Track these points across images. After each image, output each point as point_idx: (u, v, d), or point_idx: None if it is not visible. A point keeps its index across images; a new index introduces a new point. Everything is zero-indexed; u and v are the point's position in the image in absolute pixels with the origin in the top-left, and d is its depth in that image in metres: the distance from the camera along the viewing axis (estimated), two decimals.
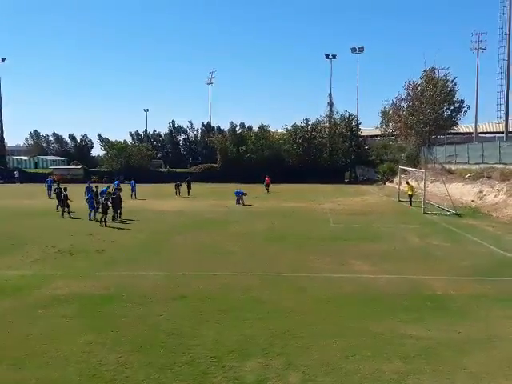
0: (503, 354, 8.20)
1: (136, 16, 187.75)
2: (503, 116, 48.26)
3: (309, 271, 14.02)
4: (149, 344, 8.62)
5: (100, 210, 23.86)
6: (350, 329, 9.39)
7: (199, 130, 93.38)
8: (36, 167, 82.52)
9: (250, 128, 72.15)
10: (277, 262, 15.32)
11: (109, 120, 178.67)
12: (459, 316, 10.15)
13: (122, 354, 8.18)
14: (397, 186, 40.53)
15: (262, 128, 66.57)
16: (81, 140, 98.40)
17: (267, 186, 44.59)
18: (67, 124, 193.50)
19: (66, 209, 26.79)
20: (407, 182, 35.32)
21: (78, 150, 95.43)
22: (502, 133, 49.58)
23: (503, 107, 47.68)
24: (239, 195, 34.49)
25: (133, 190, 38.94)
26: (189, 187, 41.27)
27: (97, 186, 28.99)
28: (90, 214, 25.37)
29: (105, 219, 23.30)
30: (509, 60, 46.43)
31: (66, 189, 27.69)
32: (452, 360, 7.94)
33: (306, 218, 26.57)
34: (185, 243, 18.64)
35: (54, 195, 29.27)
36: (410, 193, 32.41)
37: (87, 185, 30.03)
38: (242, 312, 10.37)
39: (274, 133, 67.84)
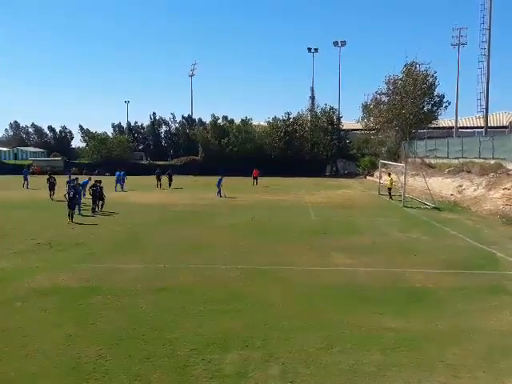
0: (480, 346, 8.34)
1: (117, 7, 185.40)
2: (483, 111, 48.88)
3: (289, 264, 14.07)
4: (129, 336, 8.57)
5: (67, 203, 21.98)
6: (330, 321, 9.45)
7: (181, 123, 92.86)
8: (16, 159, 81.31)
9: (231, 121, 71.94)
10: (258, 254, 15.33)
11: (90, 111, 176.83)
12: (438, 309, 10.29)
13: (102, 346, 8.11)
14: (377, 180, 40.90)
15: (244, 121, 66.48)
16: (60, 131, 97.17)
17: (255, 178, 44.45)
18: (47, 115, 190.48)
19: (101, 202, 25.92)
20: (389, 174, 35.59)
21: (58, 142, 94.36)
22: (482, 128, 50.25)
23: (483, 102, 48.30)
24: (219, 186, 34.50)
25: (120, 181, 38.71)
26: (170, 179, 41.14)
27: (77, 178, 28.59)
28: (79, 208, 24.68)
29: (71, 214, 21.69)
30: (489, 55, 47.02)
31: (100, 181, 26.81)
32: (430, 352, 8.05)
33: (288, 211, 26.65)
34: (165, 236, 18.53)
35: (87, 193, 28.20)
36: (389, 186, 32.69)
37: (68, 178, 29.45)
38: (223, 304, 10.36)
39: (256, 126, 67.81)
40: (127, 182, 40.24)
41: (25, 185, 40.41)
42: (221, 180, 35.14)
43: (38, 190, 35.99)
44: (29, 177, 42.07)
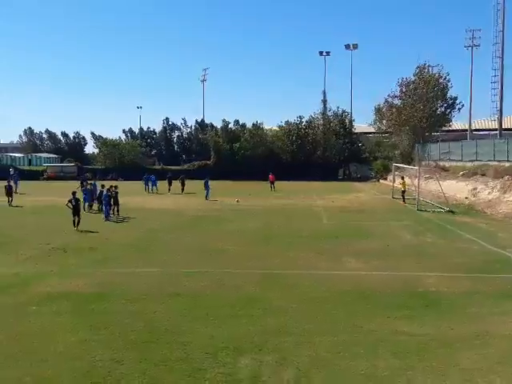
0: (495, 350, 8.29)
1: (130, 13, 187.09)
2: (497, 113, 48.50)
3: (302, 268, 14.09)
4: (143, 341, 8.65)
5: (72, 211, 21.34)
6: (343, 326, 9.45)
7: (193, 127, 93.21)
8: (30, 164, 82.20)
9: (243, 125, 72.15)
10: (269, 259, 15.37)
11: (102, 117, 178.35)
12: (452, 313, 10.23)
13: (117, 350, 8.20)
14: (391, 184, 40.70)
15: (256, 125, 66.61)
16: (73, 137, 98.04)
17: (272, 183, 44.33)
18: (60, 121, 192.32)
19: (116, 207, 26.21)
20: (402, 178, 35.46)
21: (71, 148, 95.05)
22: (496, 130, 49.84)
23: (497, 104, 47.96)
24: (208, 188, 35.92)
25: (153, 184, 42.12)
26: (182, 184, 41.32)
27: (103, 185, 28.96)
28: (106, 213, 24.91)
29: (77, 222, 21.10)
30: (503, 57, 46.78)
31: (116, 187, 27.19)
32: (444, 356, 8.02)
33: (299, 215, 26.65)
34: (178, 241, 18.65)
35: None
36: (403, 189, 32.55)
37: (89, 186, 29.65)
38: (236, 309, 10.42)
39: (267, 130, 67.90)
40: (133, 187, 41.25)
41: (17, 189, 39.45)
42: (207, 182, 36.42)
43: (50, 196, 36.35)
44: (19, 181, 42.14)
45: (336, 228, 21.85)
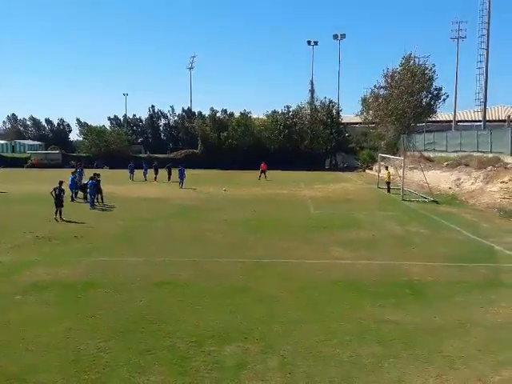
0: (477, 338, 8.40)
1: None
2: (481, 104, 48.86)
3: (289, 257, 14.11)
4: (129, 329, 8.61)
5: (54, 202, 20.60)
6: (329, 314, 9.51)
7: (180, 116, 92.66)
8: (13, 151, 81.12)
9: (231, 114, 71.82)
10: (257, 248, 15.38)
11: (87, 104, 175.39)
12: (436, 301, 10.35)
13: (102, 339, 8.15)
14: (376, 173, 40.92)
15: (243, 114, 66.38)
16: (58, 124, 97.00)
17: (263, 172, 44.03)
18: (45, 108, 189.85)
19: (99, 195, 26.01)
20: (386, 168, 35.69)
21: (56, 135, 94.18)
22: (480, 121, 50.22)
23: (482, 96, 48.26)
24: (182, 176, 36.47)
25: (131, 172, 42.03)
26: (169, 173, 41.09)
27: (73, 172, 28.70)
28: (91, 202, 24.63)
29: (59, 212, 20.43)
30: (488, 49, 46.93)
31: (98, 175, 27.06)
32: (428, 344, 8.11)
33: (287, 205, 26.68)
34: (165, 230, 18.57)
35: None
36: (387, 180, 32.76)
37: (76, 174, 29.08)
38: (223, 298, 10.41)
39: (255, 119, 67.67)
40: (119, 175, 40.87)
41: None
42: (183, 170, 36.92)
43: (34, 184, 35.93)
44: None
45: (323, 217, 21.92)
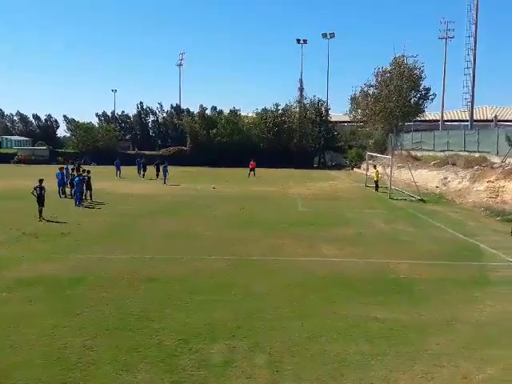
0: (462, 336, 8.47)
1: None
2: (469, 104, 49.25)
3: (277, 255, 14.12)
4: (115, 327, 8.55)
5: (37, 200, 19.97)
6: (317, 311, 9.53)
7: (169, 112, 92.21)
8: (0, 147, 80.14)
9: (220, 112, 71.65)
10: (246, 245, 15.36)
11: (75, 100, 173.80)
12: (422, 299, 10.42)
13: (88, 337, 8.09)
14: (364, 172, 41.10)
15: (233, 112, 66.27)
16: (45, 120, 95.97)
17: (252, 170, 44.05)
18: (32, 103, 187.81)
19: (89, 192, 25.92)
20: (375, 167, 35.87)
21: (43, 131, 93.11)
22: (468, 121, 50.62)
23: (469, 96, 48.64)
24: (166, 173, 37.13)
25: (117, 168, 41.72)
26: (157, 170, 40.91)
27: (73, 169, 28.51)
28: (77, 199, 24.23)
29: (40, 212, 19.68)
30: (475, 49, 47.26)
31: (89, 171, 27.16)
32: (414, 342, 8.16)
33: (276, 202, 26.69)
34: (153, 227, 18.48)
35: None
36: (375, 179, 32.93)
37: (64, 170, 28.57)
38: (210, 295, 10.39)
39: (244, 117, 67.60)
40: (106, 171, 40.76)
41: None
42: (166, 167, 37.62)
43: (21, 180, 35.55)
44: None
45: (312, 215, 21.97)
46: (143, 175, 41.87)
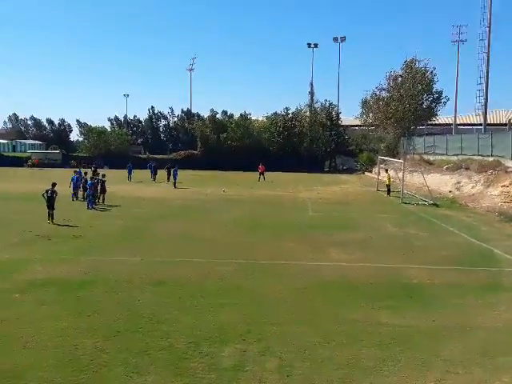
0: (476, 342, 8.37)
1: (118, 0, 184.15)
2: (482, 108, 48.84)
3: (287, 259, 14.08)
4: (126, 329, 8.57)
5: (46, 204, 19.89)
6: (327, 316, 9.48)
7: (180, 117, 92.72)
8: (14, 151, 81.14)
9: (231, 116, 71.81)
10: (255, 249, 15.34)
11: (88, 105, 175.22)
12: (434, 305, 10.31)
13: (99, 339, 8.11)
14: (375, 176, 40.89)
15: (243, 116, 66.40)
16: (59, 124, 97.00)
17: (261, 174, 44.18)
18: (46, 108, 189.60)
19: (102, 195, 26.13)
20: (386, 171, 35.68)
21: (57, 135, 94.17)
22: (481, 125, 50.17)
23: (482, 99, 48.24)
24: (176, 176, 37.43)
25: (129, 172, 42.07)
26: (168, 174, 41.07)
27: (86, 173, 28.72)
28: (89, 202, 24.30)
29: (51, 216, 19.62)
30: (489, 52, 46.85)
31: (104, 175, 27.52)
32: (427, 348, 8.07)
33: (286, 206, 26.66)
34: (163, 230, 18.52)
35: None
36: (387, 183, 32.75)
37: (77, 174, 28.66)
38: (220, 298, 10.38)
39: (254, 121, 67.68)
40: (118, 175, 40.89)
41: None
42: (176, 171, 37.92)
43: (35, 183, 35.86)
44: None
45: (322, 219, 21.90)
46: (154, 179, 42.14)
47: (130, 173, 42.14)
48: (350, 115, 66.72)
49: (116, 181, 37.61)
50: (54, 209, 19.86)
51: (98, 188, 26.03)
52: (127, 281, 11.50)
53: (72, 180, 27.35)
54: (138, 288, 11.00)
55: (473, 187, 29.52)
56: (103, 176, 27.27)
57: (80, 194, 27.45)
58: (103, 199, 26.14)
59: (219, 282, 11.69)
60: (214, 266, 13.06)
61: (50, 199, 19.90)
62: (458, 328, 8.97)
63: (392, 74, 53.58)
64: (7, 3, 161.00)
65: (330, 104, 66.46)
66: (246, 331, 8.59)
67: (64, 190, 25.80)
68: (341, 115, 67.21)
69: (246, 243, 16.26)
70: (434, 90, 52.90)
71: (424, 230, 19.52)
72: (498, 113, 71.65)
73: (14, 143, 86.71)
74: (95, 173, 29.93)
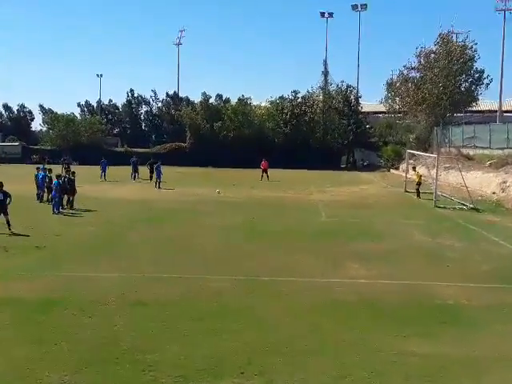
0: None
1: None
2: None
3: (294, 275, 14.15)
4: (100, 360, 8.62)
5: None
6: (343, 344, 9.51)
7: (165, 102, 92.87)
8: None
9: (227, 100, 71.96)
10: (257, 263, 15.41)
11: (52, 88, 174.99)
12: (473, 330, 10.36)
13: (67, 371, 8.15)
14: (403, 174, 40.96)
15: (242, 101, 66.42)
16: (18, 111, 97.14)
17: (265, 171, 44.28)
18: (1, 92, 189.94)
19: (71, 197, 26.08)
20: (414, 168, 35.72)
21: (15, 123, 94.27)
22: None
23: None
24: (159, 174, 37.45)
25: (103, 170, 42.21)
26: (151, 171, 41.19)
27: (50, 170, 28.81)
28: (55, 205, 24.31)
29: (7, 222, 19.31)
30: None
31: (73, 173, 27.67)
32: (463, 382, 8.13)
33: (293, 210, 26.74)
34: (145, 239, 18.61)
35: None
36: (417, 181, 32.77)
37: (41, 171, 28.99)
38: (214, 322, 10.43)
39: (256, 107, 67.72)
40: (89, 172, 41.17)
41: None
42: (159, 167, 37.98)
43: None
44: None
45: (337, 226, 21.98)
46: (134, 177, 42.22)
47: (104, 170, 42.22)
48: (372, 100, 66.98)
49: (88, 179, 37.79)
50: (7, 214, 19.44)
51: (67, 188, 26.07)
52: (101, 301, 11.55)
53: (36, 178, 27.52)
54: (114, 310, 11.05)
55: None
56: (72, 174, 27.33)
57: (45, 196, 27.57)
58: (72, 202, 26.17)
59: (213, 302, 11.74)
60: (207, 283, 13.12)
61: (2, 203, 19.40)
62: (500, 359, 9.01)
63: (423, 50, 53.63)
64: None
65: (348, 86, 66.71)
66: (246, 362, 8.64)
67: (25, 189, 25.98)
68: (361, 100, 67.56)
69: (245, 255, 16.32)
70: (474, 69, 52.87)
71: (461, 239, 19.57)
72: None
73: None
74: (68, 170, 30.03)
